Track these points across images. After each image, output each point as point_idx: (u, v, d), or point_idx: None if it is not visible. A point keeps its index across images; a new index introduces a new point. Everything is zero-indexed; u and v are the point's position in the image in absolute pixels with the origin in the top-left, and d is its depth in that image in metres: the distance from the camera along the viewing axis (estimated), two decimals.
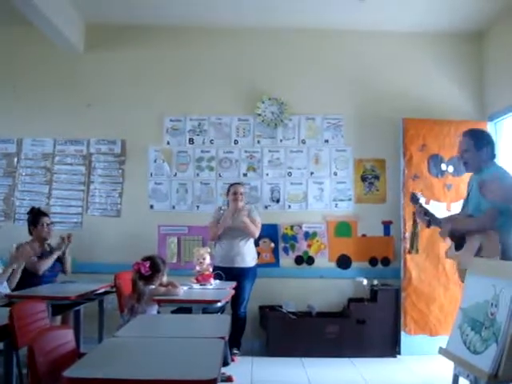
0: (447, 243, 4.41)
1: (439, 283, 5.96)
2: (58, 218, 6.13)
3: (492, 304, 2.87)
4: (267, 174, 6.40)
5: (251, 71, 6.47)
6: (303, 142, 6.43)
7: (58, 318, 5.01)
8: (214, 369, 2.21)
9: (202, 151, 6.41)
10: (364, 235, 6.36)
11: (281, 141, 6.42)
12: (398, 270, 6.12)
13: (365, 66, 6.47)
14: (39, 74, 6.45)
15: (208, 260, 5.16)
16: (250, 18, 6.21)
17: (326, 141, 6.43)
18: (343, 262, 6.32)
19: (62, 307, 4.60)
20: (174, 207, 6.36)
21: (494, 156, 4.17)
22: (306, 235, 6.34)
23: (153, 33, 6.45)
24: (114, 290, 5.15)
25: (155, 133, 6.41)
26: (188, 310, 4.37)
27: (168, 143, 6.42)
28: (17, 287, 4.89)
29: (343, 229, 6.36)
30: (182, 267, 6.12)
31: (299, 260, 6.31)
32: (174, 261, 6.23)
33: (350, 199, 6.39)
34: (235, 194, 5.79)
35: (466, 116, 6.30)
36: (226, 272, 5.45)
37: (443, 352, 3.25)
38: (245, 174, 6.39)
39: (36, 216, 5.44)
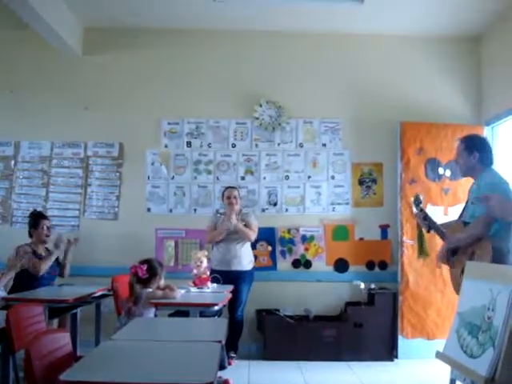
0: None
1: (436, 287, 5.96)
2: (55, 221, 6.11)
3: (489, 308, 2.88)
4: (265, 178, 6.40)
5: (249, 74, 6.47)
6: (301, 145, 6.43)
7: (55, 321, 5.01)
8: (211, 373, 2.21)
9: (199, 154, 6.42)
10: (361, 239, 6.36)
11: (278, 144, 6.43)
12: (395, 273, 6.12)
13: (362, 70, 6.48)
14: (37, 77, 6.44)
15: (205, 263, 5.15)
16: (248, 21, 6.22)
17: (324, 144, 6.44)
18: (340, 265, 6.32)
19: (59, 310, 4.60)
20: (171, 210, 6.36)
21: (489, 162, 4.14)
22: (304, 239, 6.33)
23: (151, 36, 6.45)
24: (111, 293, 5.14)
25: (153, 136, 6.41)
26: (185, 314, 4.37)
27: (166, 146, 6.42)
28: (14, 290, 4.90)
29: (340, 232, 6.36)
30: (179, 270, 6.11)
31: (296, 263, 6.31)
32: (172, 264, 6.23)
33: (347, 203, 6.40)
34: (229, 197, 5.79)
35: (463, 120, 6.32)
36: (223, 275, 5.44)
37: (440, 356, 3.25)
38: (242, 178, 6.39)
39: (37, 219, 5.47)
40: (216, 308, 4.42)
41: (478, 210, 3.88)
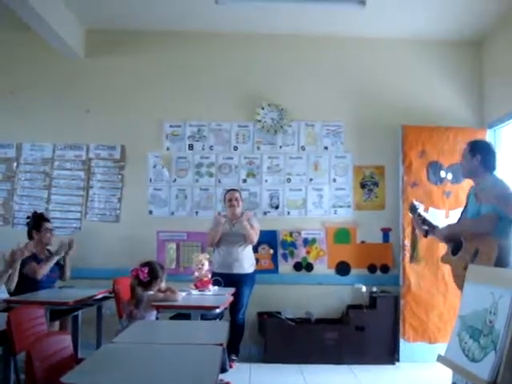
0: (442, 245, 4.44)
1: (438, 291, 5.95)
2: (56, 223, 6.12)
3: (490, 312, 2.87)
4: (266, 181, 6.40)
5: (251, 77, 6.48)
6: (303, 148, 6.43)
7: (57, 324, 5.00)
8: (212, 375, 2.21)
9: (201, 157, 6.42)
10: (363, 242, 6.35)
11: (280, 147, 6.43)
12: (397, 277, 6.11)
13: (364, 73, 6.48)
14: (39, 79, 6.45)
15: (207, 266, 5.14)
16: (250, 23, 6.23)
17: (326, 147, 6.44)
18: (342, 268, 6.31)
19: (60, 312, 4.60)
20: (173, 213, 6.36)
21: (492, 167, 4.21)
22: (305, 242, 6.33)
23: (153, 38, 6.46)
24: (113, 295, 5.15)
25: (155, 138, 6.42)
26: (186, 316, 4.37)
27: (167, 149, 6.42)
28: (15, 292, 4.88)
29: (342, 235, 6.35)
30: (180, 273, 6.11)
31: (298, 266, 6.31)
32: (173, 267, 6.22)
33: (349, 206, 6.39)
34: (230, 200, 5.80)
35: (465, 123, 6.32)
36: (224, 278, 5.44)
37: (442, 359, 3.24)
38: (244, 180, 6.39)
39: (39, 220, 5.44)
40: (217, 311, 4.42)
41: (484, 209, 3.91)
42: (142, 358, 2.57)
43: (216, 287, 5.17)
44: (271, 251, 6.29)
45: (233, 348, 5.61)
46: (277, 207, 6.37)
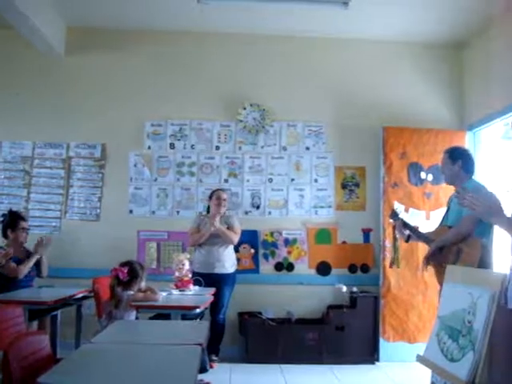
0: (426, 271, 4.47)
1: (418, 291, 5.99)
2: (36, 222, 6.08)
3: (469, 312, 2.89)
4: (248, 180, 6.39)
5: (233, 77, 6.47)
6: (284, 148, 6.44)
7: (35, 323, 4.95)
8: (191, 376, 2.20)
9: (182, 156, 6.40)
10: (344, 242, 6.38)
11: (262, 147, 6.43)
12: (377, 277, 6.14)
13: (346, 74, 6.51)
14: (19, 77, 6.38)
15: (187, 266, 5.13)
16: (233, 23, 6.22)
17: (307, 148, 6.45)
18: (323, 268, 6.33)
19: (39, 312, 4.55)
20: (153, 212, 6.33)
21: (472, 171, 4.36)
22: (286, 242, 6.34)
23: (134, 37, 6.43)
24: (92, 295, 5.11)
25: (136, 137, 6.38)
26: (166, 316, 4.35)
27: (149, 148, 6.39)
28: None
29: (323, 236, 6.37)
30: (161, 273, 6.09)
31: (279, 266, 6.31)
32: (154, 266, 6.20)
33: (330, 206, 6.41)
34: (219, 199, 5.79)
35: (445, 125, 6.37)
36: (205, 278, 5.43)
37: (421, 359, 3.26)
38: (226, 180, 6.38)
39: (15, 219, 5.36)
40: (197, 311, 4.42)
41: (465, 211, 3.95)
42: (121, 358, 2.55)
43: (196, 287, 5.17)
44: (252, 251, 6.28)
45: (213, 348, 5.61)
46: (258, 207, 6.37)
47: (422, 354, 3.26)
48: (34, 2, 5.48)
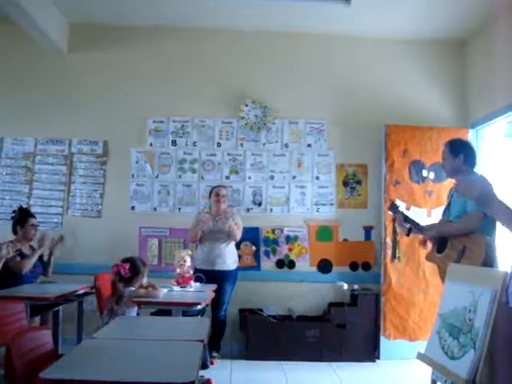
0: (428, 248, 4.45)
1: (419, 289, 5.99)
2: (38, 218, 6.03)
3: (470, 310, 2.90)
4: (250, 178, 6.40)
5: (235, 74, 6.47)
6: (286, 145, 6.44)
7: (37, 319, 4.97)
8: (192, 372, 2.21)
9: (184, 153, 6.40)
10: (345, 240, 6.38)
11: (264, 144, 6.43)
12: (378, 275, 6.14)
13: (348, 71, 6.50)
14: (22, 74, 6.38)
15: (189, 262, 5.14)
16: (236, 20, 6.22)
17: (309, 145, 6.45)
18: (324, 266, 6.33)
19: (40, 308, 4.57)
20: (155, 209, 6.34)
21: (472, 164, 4.27)
22: (288, 239, 6.34)
23: (137, 33, 6.43)
24: (94, 291, 5.13)
25: (138, 134, 6.39)
26: (168, 313, 4.36)
27: (150, 144, 6.39)
28: None
29: (324, 233, 6.37)
30: (162, 269, 6.09)
31: (280, 264, 6.32)
32: (155, 263, 6.20)
33: (331, 204, 6.41)
34: (217, 195, 5.80)
35: (448, 123, 6.36)
36: (206, 274, 5.44)
37: (421, 357, 3.27)
38: (227, 177, 6.38)
39: (25, 216, 5.43)
40: (199, 307, 4.42)
41: (470, 207, 3.92)
42: (123, 354, 2.56)
43: (198, 284, 5.17)
44: (253, 248, 6.29)
45: (214, 344, 5.62)
46: (259, 204, 6.37)
47: (422, 351, 3.27)
48: None
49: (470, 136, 6.13)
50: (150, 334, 3.18)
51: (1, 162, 6.33)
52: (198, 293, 4.85)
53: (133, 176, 6.35)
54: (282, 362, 5.66)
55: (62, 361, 2.35)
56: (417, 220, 4.55)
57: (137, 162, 6.36)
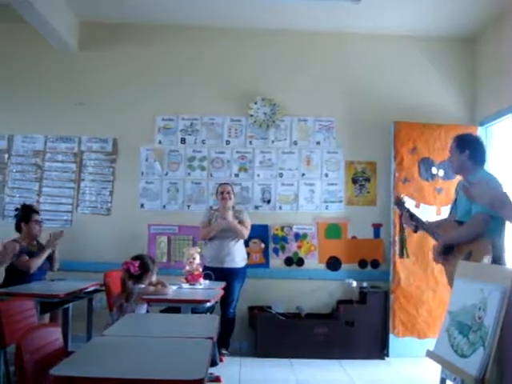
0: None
1: (428, 286, 5.98)
2: (47, 216, 6.11)
3: (480, 308, 2.88)
4: (258, 175, 6.40)
5: (244, 72, 6.47)
6: (295, 143, 6.43)
7: (47, 316, 4.98)
8: (202, 369, 2.21)
9: (193, 151, 6.41)
10: (354, 237, 6.37)
11: (273, 142, 6.43)
12: (387, 272, 6.13)
13: (357, 69, 6.48)
14: (32, 72, 6.41)
15: (198, 260, 5.14)
16: (244, 18, 6.22)
17: (318, 143, 6.44)
18: (333, 263, 6.33)
19: (50, 305, 4.57)
20: (164, 206, 6.35)
21: (481, 161, 4.12)
22: (297, 236, 6.34)
23: (146, 32, 6.44)
24: (104, 288, 5.14)
25: (147, 132, 6.40)
26: (177, 310, 4.36)
27: (160, 142, 6.41)
28: (6, 284, 4.87)
29: (333, 231, 6.37)
30: (171, 267, 6.11)
31: (289, 261, 6.32)
32: (164, 260, 6.22)
33: (340, 201, 6.40)
34: (223, 193, 5.79)
35: (456, 120, 6.33)
36: (215, 272, 5.45)
37: (430, 355, 3.25)
38: (236, 175, 6.39)
39: (28, 212, 5.38)
40: (208, 304, 4.44)
41: (475, 209, 3.86)
42: (132, 351, 2.57)
43: (207, 281, 5.18)
44: (262, 245, 6.29)
45: (223, 342, 5.62)
46: (269, 202, 6.37)
47: (431, 349, 3.26)
48: None
49: (479, 133, 6.10)
50: (159, 332, 3.19)
51: (11, 160, 6.37)
52: (207, 290, 4.85)
53: (142, 174, 6.37)
54: (291, 360, 5.66)
55: (71, 358, 2.36)
56: (423, 218, 4.48)
57: (146, 160, 6.38)
